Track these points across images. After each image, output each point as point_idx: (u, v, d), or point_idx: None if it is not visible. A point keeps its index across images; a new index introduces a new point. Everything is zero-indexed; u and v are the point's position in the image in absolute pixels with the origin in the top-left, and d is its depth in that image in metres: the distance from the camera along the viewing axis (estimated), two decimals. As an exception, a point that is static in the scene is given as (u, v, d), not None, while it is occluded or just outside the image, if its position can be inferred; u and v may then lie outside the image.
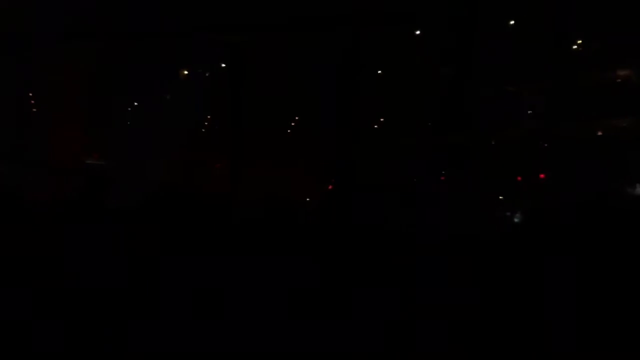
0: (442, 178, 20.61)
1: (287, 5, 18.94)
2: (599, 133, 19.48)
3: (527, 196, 17.70)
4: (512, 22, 19.79)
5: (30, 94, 20.18)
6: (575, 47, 19.75)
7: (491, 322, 3.66)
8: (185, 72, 24.76)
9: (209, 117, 22.38)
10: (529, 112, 20.07)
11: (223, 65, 22.36)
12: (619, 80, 19.40)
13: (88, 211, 4.74)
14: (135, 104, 21.91)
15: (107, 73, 19.44)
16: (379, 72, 20.90)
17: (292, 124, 22.22)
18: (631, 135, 18.15)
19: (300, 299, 4.04)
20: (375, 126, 21.48)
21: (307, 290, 4.21)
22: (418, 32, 20.21)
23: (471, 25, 18.49)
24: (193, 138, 20.94)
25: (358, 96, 19.76)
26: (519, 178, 18.92)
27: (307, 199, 20.24)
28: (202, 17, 19.22)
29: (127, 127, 21.29)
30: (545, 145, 19.28)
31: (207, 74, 24.39)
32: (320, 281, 4.46)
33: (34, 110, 20.23)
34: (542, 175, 18.60)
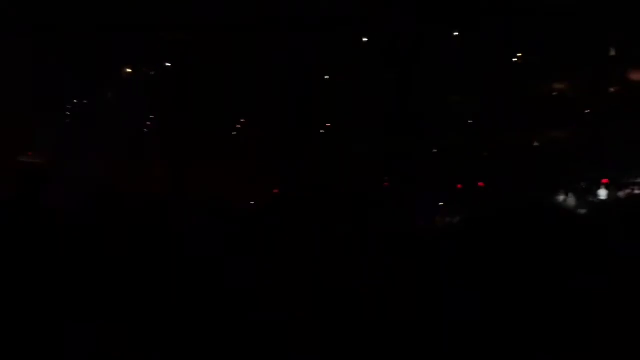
0: (386, 184, 20.83)
1: (236, 5, 18.86)
2: (536, 143, 20.15)
3: (466, 203, 18.08)
4: (456, 34, 20.32)
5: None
6: (515, 59, 20.40)
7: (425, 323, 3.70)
8: (129, 71, 24.24)
9: (151, 116, 21.95)
10: (469, 121, 20.59)
11: (168, 64, 22.02)
12: (555, 93, 20.14)
13: (22, 212, 4.53)
14: (75, 101, 21.28)
15: (45, 70, 18.79)
16: (326, 77, 21.04)
17: (237, 126, 22.05)
18: (566, 146, 18.85)
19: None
20: (322, 131, 21.57)
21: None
22: (365, 39, 20.49)
23: (416, 34, 18.82)
24: (133, 138, 20.46)
25: (306, 100, 19.80)
26: (459, 186, 19.31)
27: (252, 202, 20.09)
28: (146, 15, 18.90)
29: (66, 126, 20.65)
30: (485, 153, 19.76)
31: (151, 73, 23.95)
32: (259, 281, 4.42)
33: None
34: (481, 184, 19.04)
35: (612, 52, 19.14)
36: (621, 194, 17.52)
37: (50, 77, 19.01)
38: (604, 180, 17.93)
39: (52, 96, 19.65)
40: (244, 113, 21.86)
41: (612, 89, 19.41)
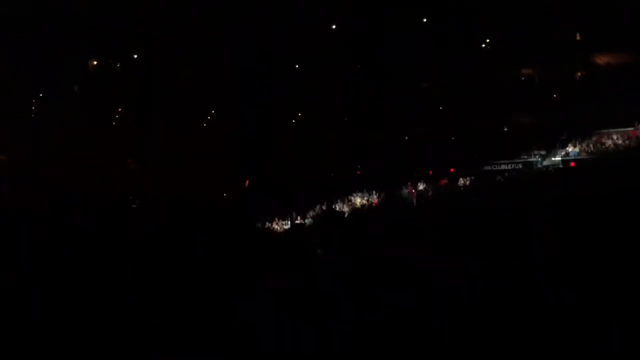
0: (358, 172, 20.91)
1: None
2: (505, 129, 20.33)
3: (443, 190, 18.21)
4: (424, 20, 20.32)
5: None
6: (483, 45, 20.49)
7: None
8: (95, 63, 23.83)
9: (119, 110, 21.64)
10: (440, 108, 20.69)
11: (135, 56, 21.68)
12: (523, 78, 20.29)
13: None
14: (40, 95, 20.85)
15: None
16: (296, 66, 20.95)
17: (207, 119, 21.89)
18: (533, 131, 19.04)
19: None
20: (293, 121, 21.52)
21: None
22: (334, 28, 20.42)
23: (381, 25, 18.79)
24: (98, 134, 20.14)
25: (271, 92, 19.69)
26: (430, 172, 19.42)
27: (224, 194, 20.03)
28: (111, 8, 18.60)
29: (31, 122, 20.25)
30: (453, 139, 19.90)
31: (117, 65, 23.59)
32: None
33: None
34: (452, 170, 19.17)
35: (578, 37, 19.36)
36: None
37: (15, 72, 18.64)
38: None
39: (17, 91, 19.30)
40: (212, 106, 21.69)
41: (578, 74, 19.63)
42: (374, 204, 18.35)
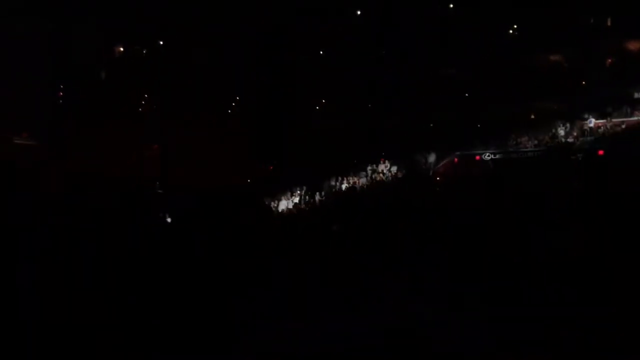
0: (383, 160, 20.78)
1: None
2: (532, 116, 20.00)
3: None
4: (451, 6, 20.05)
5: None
6: (511, 32, 20.14)
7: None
8: (121, 49, 24.01)
9: (143, 96, 21.79)
10: (466, 94, 20.44)
11: (160, 42, 21.79)
12: (551, 65, 19.93)
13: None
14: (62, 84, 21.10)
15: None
16: (319, 52, 20.87)
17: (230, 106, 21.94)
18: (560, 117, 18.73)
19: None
20: (317, 107, 21.48)
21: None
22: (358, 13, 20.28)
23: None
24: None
25: (290, 80, 19.61)
26: (456, 160, 19.26)
27: (248, 181, 20.09)
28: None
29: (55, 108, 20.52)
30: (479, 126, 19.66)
31: (144, 52, 23.74)
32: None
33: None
34: (477, 158, 18.99)
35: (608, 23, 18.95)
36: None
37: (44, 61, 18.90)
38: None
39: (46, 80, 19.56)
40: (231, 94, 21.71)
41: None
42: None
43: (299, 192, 17.70)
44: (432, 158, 18.53)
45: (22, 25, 18.46)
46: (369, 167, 18.72)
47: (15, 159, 16.47)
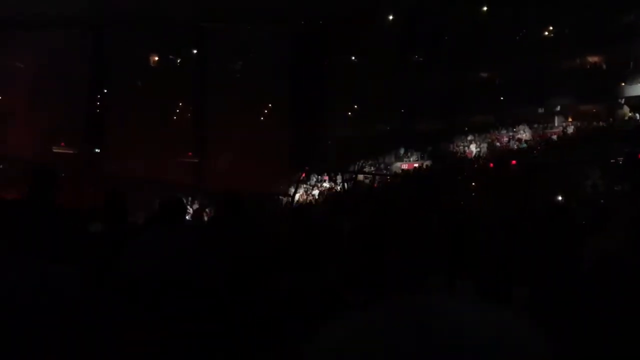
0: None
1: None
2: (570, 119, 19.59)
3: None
4: (484, 9, 19.81)
5: None
6: (546, 33, 19.76)
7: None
8: (156, 59, 24.26)
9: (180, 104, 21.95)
10: (501, 98, 20.16)
11: (195, 51, 21.94)
12: (589, 66, 19.48)
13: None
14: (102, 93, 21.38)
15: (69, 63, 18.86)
16: (352, 58, 20.80)
17: (263, 114, 21.93)
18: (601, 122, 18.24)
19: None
20: (349, 113, 21.38)
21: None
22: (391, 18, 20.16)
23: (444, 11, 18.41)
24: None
25: (327, 86, 19.55)
26: (491, 165, 18.95)
27: (281, 186, 20.02)
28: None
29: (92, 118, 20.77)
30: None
31: (178, 61, 23.95)
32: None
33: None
34: (513, 162, 18.64)
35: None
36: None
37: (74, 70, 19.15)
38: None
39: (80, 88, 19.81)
40: (266, 101, 21.70)
41: None
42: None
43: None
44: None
45: (59, 37, 18.75)
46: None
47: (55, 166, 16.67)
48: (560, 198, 11.48)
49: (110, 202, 4.75)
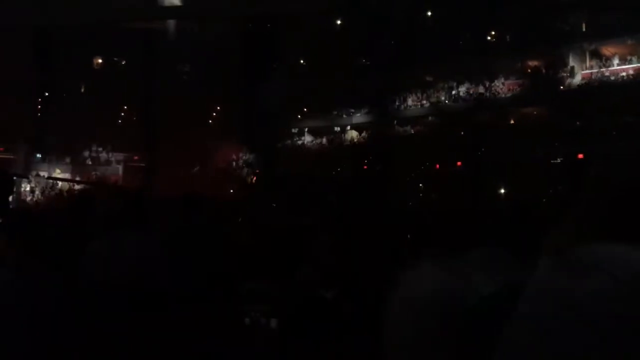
0: (365, 167, 20.68)
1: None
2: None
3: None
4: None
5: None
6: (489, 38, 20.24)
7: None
8: (100, 61, 23.79)
9: (125, 108, 21.57)
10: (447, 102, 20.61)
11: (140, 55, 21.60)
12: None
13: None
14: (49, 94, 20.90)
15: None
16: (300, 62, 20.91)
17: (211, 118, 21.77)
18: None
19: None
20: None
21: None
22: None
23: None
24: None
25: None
26: (437, 166, 19.27)
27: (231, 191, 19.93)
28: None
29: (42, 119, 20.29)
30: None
31: (122, 63, 23.54)
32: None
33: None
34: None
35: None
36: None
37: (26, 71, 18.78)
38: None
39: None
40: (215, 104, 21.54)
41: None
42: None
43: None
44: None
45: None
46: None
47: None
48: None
49: (73, 205, 4.69)
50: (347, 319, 3.58)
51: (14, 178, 4.83)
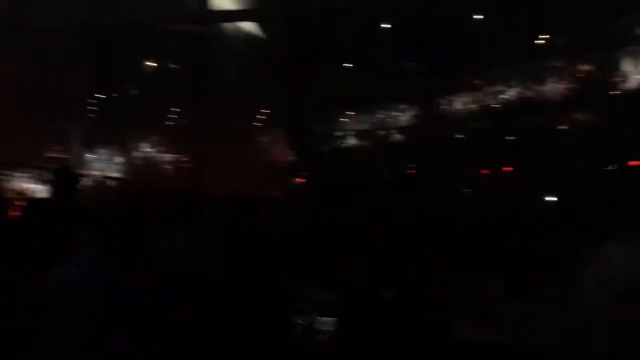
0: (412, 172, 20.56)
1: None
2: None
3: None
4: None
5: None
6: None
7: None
8: (152, 64, 24.25)
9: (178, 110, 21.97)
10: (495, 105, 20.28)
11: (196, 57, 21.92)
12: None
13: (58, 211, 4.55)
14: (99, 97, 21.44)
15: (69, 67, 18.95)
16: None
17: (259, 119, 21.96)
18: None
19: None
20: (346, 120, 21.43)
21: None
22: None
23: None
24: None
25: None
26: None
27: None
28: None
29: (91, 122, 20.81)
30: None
31: (174, 66, 23.92)
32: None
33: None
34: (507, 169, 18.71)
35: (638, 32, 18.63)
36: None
37: (75, 74, 19.22)
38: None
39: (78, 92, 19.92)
40: (261, 105, 21.69)
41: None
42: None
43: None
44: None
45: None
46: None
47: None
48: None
49: (128, 202, 4.86)
50: (404, 321, 3.59)
51: (78, 177, 5.00)
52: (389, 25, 19.79)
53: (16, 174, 17.33)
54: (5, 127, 16.81)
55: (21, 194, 15.62)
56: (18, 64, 17.99)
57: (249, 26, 20.17)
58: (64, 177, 4.60)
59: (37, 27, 18.05)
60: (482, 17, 19.43)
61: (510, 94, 19.33)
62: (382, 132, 20.81)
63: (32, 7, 18.15)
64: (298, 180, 19.21)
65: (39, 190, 15.19)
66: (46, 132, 19.10)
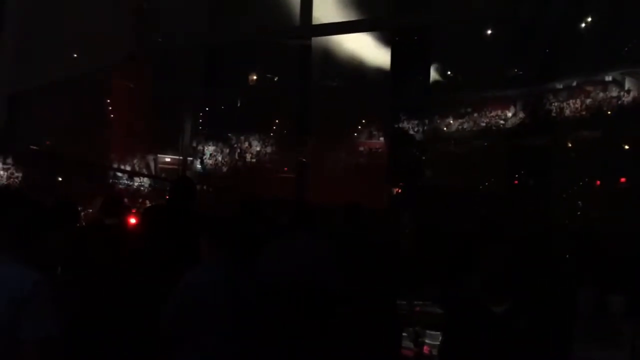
0: (515, 182, 19.94)
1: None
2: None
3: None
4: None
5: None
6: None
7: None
8: (254, 77, 25.02)
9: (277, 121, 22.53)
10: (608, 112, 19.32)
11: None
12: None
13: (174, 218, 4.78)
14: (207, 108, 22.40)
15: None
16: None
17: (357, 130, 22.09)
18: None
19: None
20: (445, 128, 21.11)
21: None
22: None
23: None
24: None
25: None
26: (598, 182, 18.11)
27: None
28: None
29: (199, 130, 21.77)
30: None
31: (275, 79, 24.55)
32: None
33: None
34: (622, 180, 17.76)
35: None
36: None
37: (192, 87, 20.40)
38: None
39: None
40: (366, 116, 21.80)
41: None
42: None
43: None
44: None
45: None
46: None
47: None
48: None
49: (247, 211, 5.02)
50: (518, 336, 3.44)
51: (194, 186, 5.24)
52: (494, 32, 19.41)
53: (136, 183, 18.60)
54: (130, 141, 18.13)
55: (144, 204, 16.66)
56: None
57: (354, 37, 20.43)
58: (184, 186, 4.83)
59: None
60: (592, 20, 18.69)
61: (627, 99, 18.34)
62: (489, 140, 20.37)
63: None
64: (404, 188, 19.12)
65: (159, 199, 16.17)
66: (162, 143, 20.40)
